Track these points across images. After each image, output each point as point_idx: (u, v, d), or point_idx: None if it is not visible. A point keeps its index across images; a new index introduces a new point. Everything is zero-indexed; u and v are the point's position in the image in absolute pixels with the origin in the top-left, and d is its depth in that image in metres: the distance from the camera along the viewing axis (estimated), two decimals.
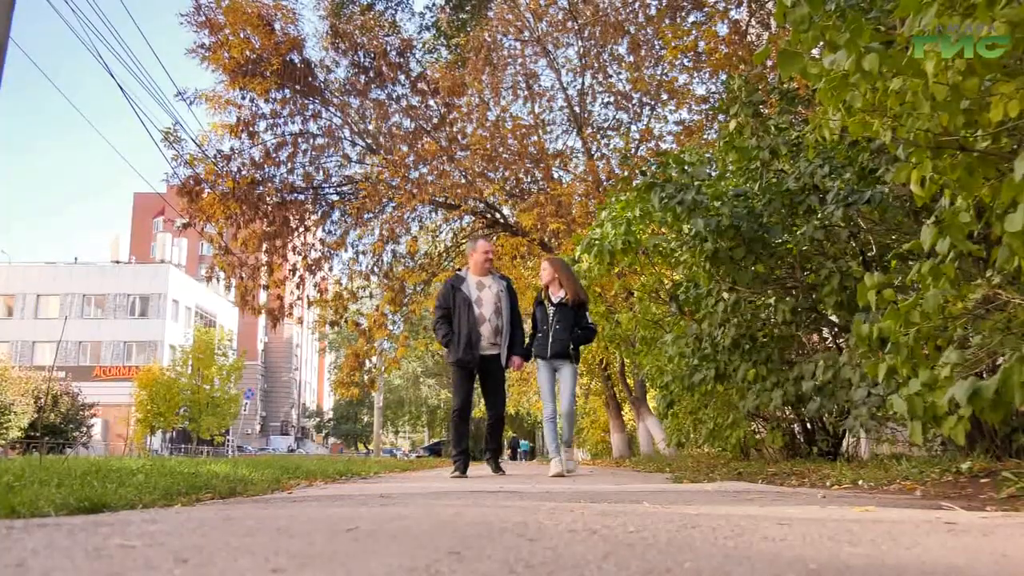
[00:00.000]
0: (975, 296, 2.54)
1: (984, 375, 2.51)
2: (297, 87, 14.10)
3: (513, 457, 43.68)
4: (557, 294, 6.48)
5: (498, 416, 6.64)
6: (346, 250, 14.98)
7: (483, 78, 13.40)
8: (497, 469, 6.72)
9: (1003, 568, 1.07)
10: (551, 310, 6.45)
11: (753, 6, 12.87)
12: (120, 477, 3.41)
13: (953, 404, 2.47)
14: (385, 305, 14.48)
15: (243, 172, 14.14)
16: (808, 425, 6.29)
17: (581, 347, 6.64)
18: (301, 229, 14.96)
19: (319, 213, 15.11)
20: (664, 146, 12.90)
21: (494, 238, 13.65)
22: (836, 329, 5.78)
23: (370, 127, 14.74)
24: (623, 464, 13.37)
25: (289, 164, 14.53)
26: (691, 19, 13.19)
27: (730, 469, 5.76)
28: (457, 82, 13.72)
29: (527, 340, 6.81)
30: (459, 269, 6.80)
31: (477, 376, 6.59)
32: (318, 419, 76.50)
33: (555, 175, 13.80)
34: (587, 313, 6.64)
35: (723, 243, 5.10)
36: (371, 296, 16.46)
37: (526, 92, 14.00)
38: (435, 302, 6.70)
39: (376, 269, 14.69)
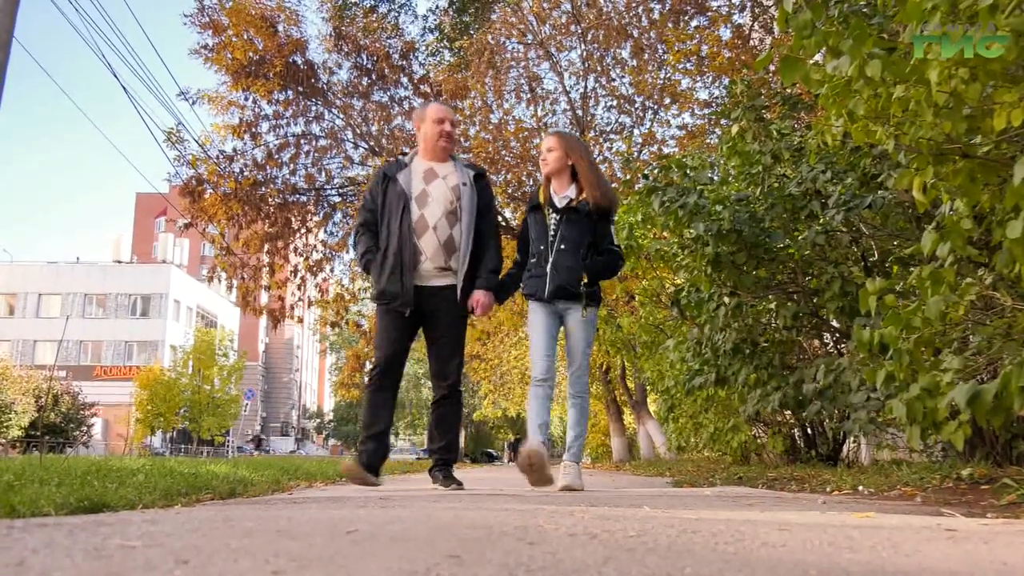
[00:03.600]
0: (970, 297, 2.54)
1: (984, 380, 2.51)
2: (300, 89, 14.13)
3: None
4: (564, 192, 4.17)
5: (450, 389, 4.18)
6: (348, 251, 15.01)
7: (486, 81, 13.42)
8: (448, 480, 4.11)
9: None
10: (552, 220, 4.15)
11: (756, 11, 12.88)
12: (120, 477, 3.41)
13: (952, 409, 2.47)
14: None
15: (245, 173, 14.17)
16: (808, 430, 6.29)
17: (602, 283, 4.37)
18: (303, 230, 14.98)
19: (321, 214, 15.13)
20: (666, 150, 12.91)
21: None
22: (837, 335, 5.78)
23: (372, 129, 14.75)
24: (623, 468, 13.37)
25: (291, 165, 14.56)
26: (694, 23, 13.21)
27: (730, 474, 5.76)
28: (460, 85, 13.74)
29: (508, 269, 4.49)
30: (403, 153, 4.39)
31: (420, 323, 4.22)
32: (318, 420, 76.49)
33: None
34: (613, 227, 4.27)
35: (724, 247, 5.10)
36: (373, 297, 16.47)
37: (529, 95, 14.02)
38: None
39: None
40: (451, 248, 4.11)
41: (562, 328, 4.28)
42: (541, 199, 4.26)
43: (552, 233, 4.13)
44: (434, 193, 4.14)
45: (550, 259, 4.10)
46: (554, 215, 4.16)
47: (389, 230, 4.08)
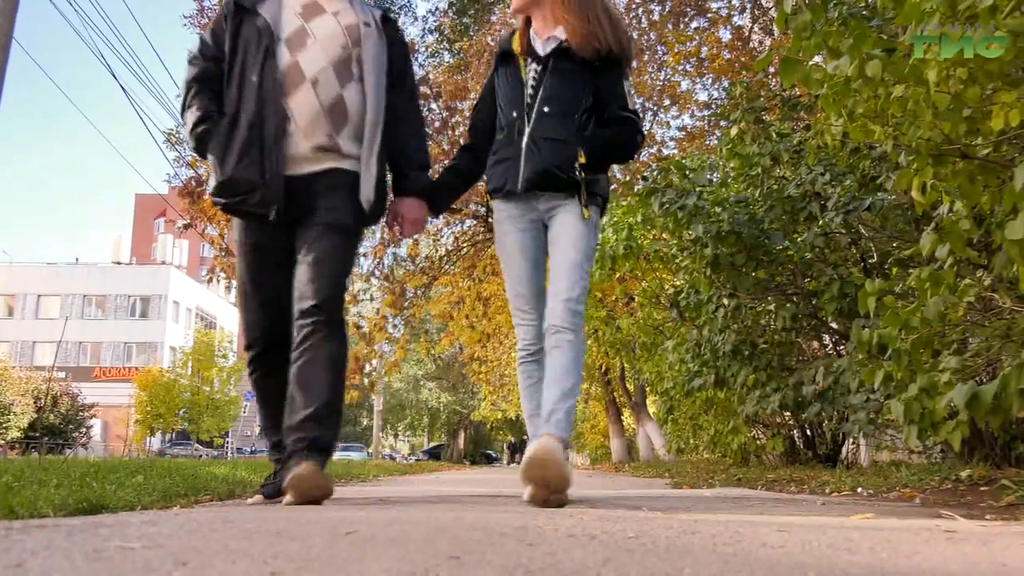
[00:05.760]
0: (969, 298, 2.55)
1: (983, 381, 2.52)
2: None
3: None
4: (551, 33, 2.77)
5: (316, 312, 2.56)
6: None
7: (485, 82, 13.41)
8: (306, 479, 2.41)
9: None
10: (531, 72, 2.77)
11: (756, 12, 12.90)
12: (119, 478, 3.41)
13: (951, 409, 2.48)
14: (385, 308, 14.49)
15: None
16: (808, 431, 6.29)
17: (605, 183, 2.84)
18: None
19: None
20: (666, 151, 12.92)
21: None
22: (836, 336, 5.78)
23: None
24: (622, 469, 13.37)
25: None
26: (694, 25, 13.23)
27: (729, 475, 5.76)
28: (460, 86, 13.74)
29: (452, 160, 3.10)
30: None
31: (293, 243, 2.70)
32: None
33: None
34: (628, 83, 2.82)
35: (724, 249, 5.11)
36: (372, 299, 16.47)
37: None
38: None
39: (377, 272, 14.69)
40: (340, 115, 2.67)
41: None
42: (515, 46, 2.84)
43: (531, 91, 2.74)
44: (318, 32, 2.70)
45: (527, 130, 2.71)
46: (535, 66, 2.76)
47: (241, 86, 2.62)
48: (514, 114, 2.76)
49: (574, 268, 2.64)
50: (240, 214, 2.70)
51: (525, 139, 2.70)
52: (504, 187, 2.73)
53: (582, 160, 2.64)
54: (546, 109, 2.70)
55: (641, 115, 2.91)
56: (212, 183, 2.64)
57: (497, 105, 2.88)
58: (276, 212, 2.58)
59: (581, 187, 2.64)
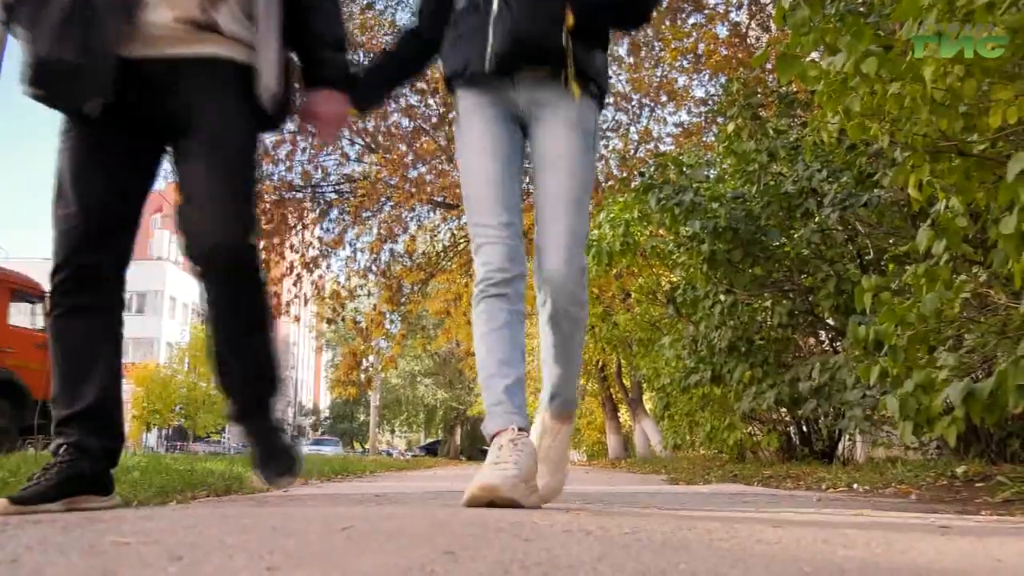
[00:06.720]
0: (964, 294, 2.56)
1: (978, 378, 2.53)
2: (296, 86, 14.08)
3: None
4: None
5: (213, 258, 1.93)
6: (344, 248, 15.01)
7: None
8: (273, 466, 2.13)
9: (997, 574, 1.07)
10: None
11: (753, 8, 12.89)
12: (115, 474, 3.40)
13: (946, 405, 2.48)
14: (383, 304, 14.49)
15: None
16: (804, 427, 6.30)
17: (601, 68, 2.08)
18: (299, 227, 14.95)
19: (317, 211, 15.10)
20: (663, 148, 12.92)
21: None
22: (832, 332, 5.79)
23: (369, 126, 14.74)
24: (619, 466, 13.39)
25: (288, 162, 14.52)
26: (691, 21, 13.20)
27: (725, 471, 5.77)
28: None
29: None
30: None
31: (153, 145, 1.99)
32: (314, 417, 76.49)
33: None
34: None
35: (720, 245, 5.11)
36: (369, 295, 16.48)
37: None
38: None
39: (374, 267, 14.69)
40: None
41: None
42: None
43: None
44: None
45: None
46: None
47: None
48: None
49: (571, 207, 2.00)
50: (58, 108, 1.91)
51: (495, 2, 1.95)
52: (466, 69, 2.01)
53: (570, 24, 1.93)
54: None
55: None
56: (22, 71, 1.88)
57: None
58: (101, 107, 1.83)
59: (567, 59, 1.93)
